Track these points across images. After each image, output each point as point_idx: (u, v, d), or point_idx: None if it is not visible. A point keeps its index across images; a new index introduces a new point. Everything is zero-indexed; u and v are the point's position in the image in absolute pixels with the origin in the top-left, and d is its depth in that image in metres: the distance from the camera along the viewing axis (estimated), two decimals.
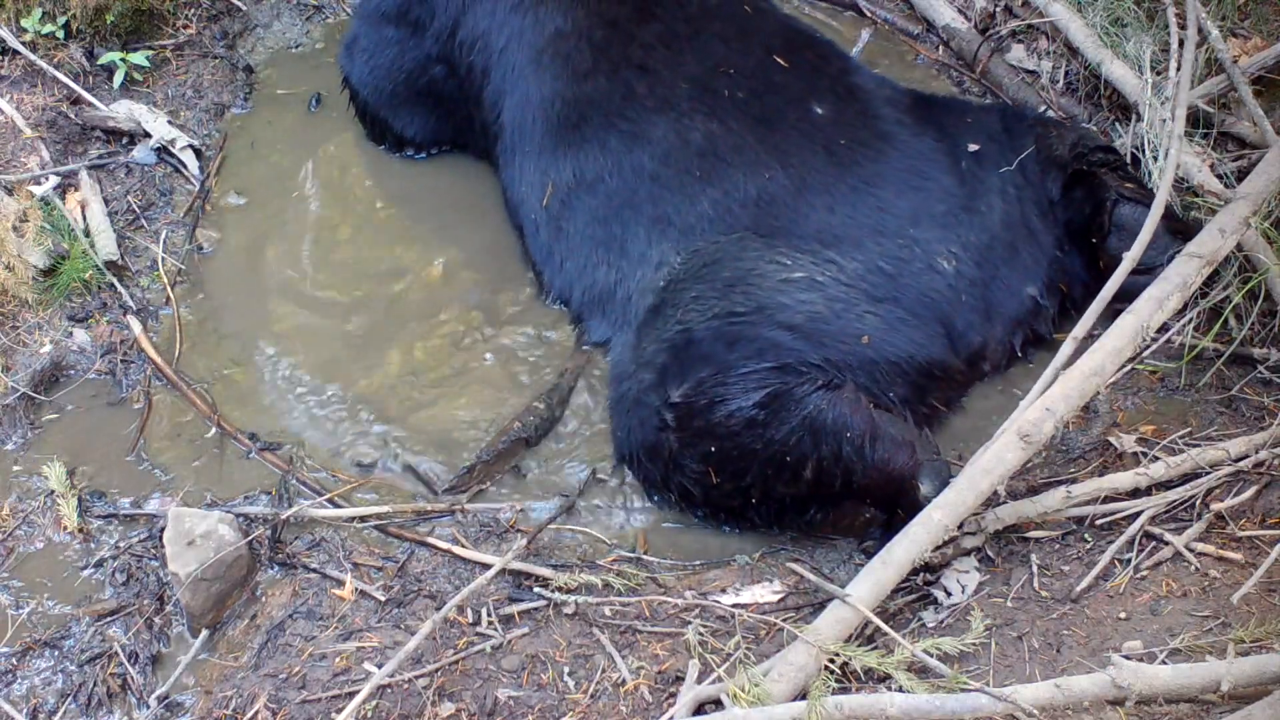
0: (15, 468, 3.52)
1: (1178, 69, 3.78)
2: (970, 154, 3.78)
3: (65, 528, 3.36)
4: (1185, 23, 3.82)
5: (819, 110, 3.80)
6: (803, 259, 3.47)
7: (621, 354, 3.59)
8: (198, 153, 4.33)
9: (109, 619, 3.19)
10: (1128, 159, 3.87)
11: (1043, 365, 3.28)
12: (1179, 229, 3.57)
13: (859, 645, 2.85)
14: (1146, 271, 3.44)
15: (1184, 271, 3.31)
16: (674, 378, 3.26)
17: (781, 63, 3.89)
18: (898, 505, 3.17)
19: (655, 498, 3.45)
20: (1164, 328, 3.40)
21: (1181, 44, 3.83)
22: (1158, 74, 3.94)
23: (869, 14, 4.76)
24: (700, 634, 2.96)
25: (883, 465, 3.11)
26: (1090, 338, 3.30)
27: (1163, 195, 3.40)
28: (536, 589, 3.13)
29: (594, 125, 3.80)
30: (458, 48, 4.09)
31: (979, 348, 3.59)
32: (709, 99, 3.77)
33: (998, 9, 4.54)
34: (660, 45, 3.86)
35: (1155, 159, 3.74)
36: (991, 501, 3.13)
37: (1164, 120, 3.73)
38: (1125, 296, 3.35)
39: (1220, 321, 3.44)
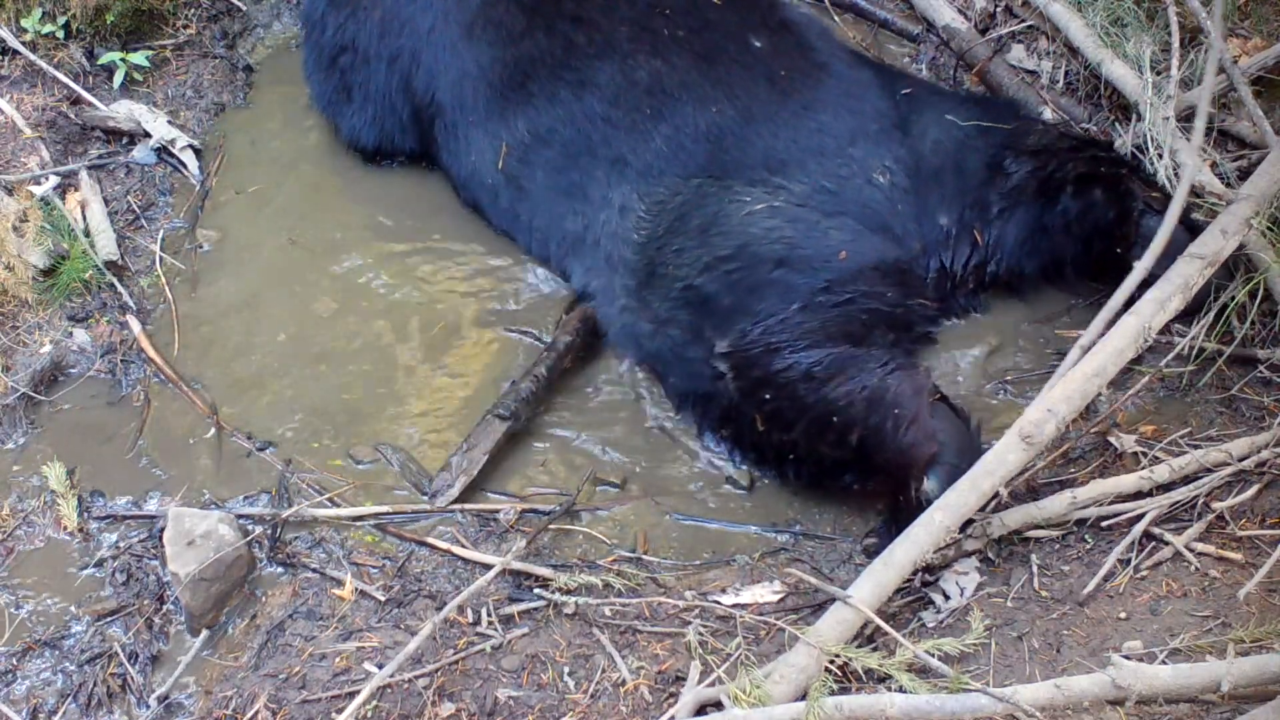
0: (15, 468, 3.52)
1: (1179, 68, 3.78)
2: (904, 94, 3.94)
3: (65, 527, 3.36)
4: (1198, 25, 3.81)
5: (757, 43, 3.90)
6: (756, 190, 3.62)
7: (618, 313, 3.67)
8: (198, 152, 4.33)
9: (109, 619, 3.19)
10: (1126, 158, 3.87)
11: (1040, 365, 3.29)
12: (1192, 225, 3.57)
13: (860, 646, 2.85)
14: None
15: (1185, 272, 3.31)
16: (714, 330, 3.42)
17: (714, 0, 3.98)
18: (899, 494, 3.19)
19: (707, 440, 3.56)
20: (1166, 329, 3.40)
21: (1182, 44, 3.84)
22: (1158, 73, 3.94)
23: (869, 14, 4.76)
24: (700, 634, 2.96)
25: (904, 450, 3.16)
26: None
27: (1178, 203, 3.37)
28: (536, 589, 3.13)
29: (540, 80, 3.88)
30: (376, 35, 4.12)
31: (919, 252, 3.72)
32: (649, 39, 3.86)
33: (998, 9, 4.53)
34: None
35: (1160, 156, 3.73)
36: (996, 504, 3.12)
37: (1165, 119, 3.73)
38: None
39: (1221, 321, 3.44)
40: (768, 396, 3.32)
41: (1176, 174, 3.65)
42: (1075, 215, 3.74)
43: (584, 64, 3.85)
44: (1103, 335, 3.24)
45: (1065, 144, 3.84)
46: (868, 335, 3.39)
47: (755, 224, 3.55)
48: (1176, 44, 3.81)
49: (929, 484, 3.13)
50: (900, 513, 3.17)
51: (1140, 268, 3.28)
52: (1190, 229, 3.52)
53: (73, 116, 4.30)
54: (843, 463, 3.30)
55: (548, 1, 3.95)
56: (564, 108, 3.84)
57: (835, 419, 3.22)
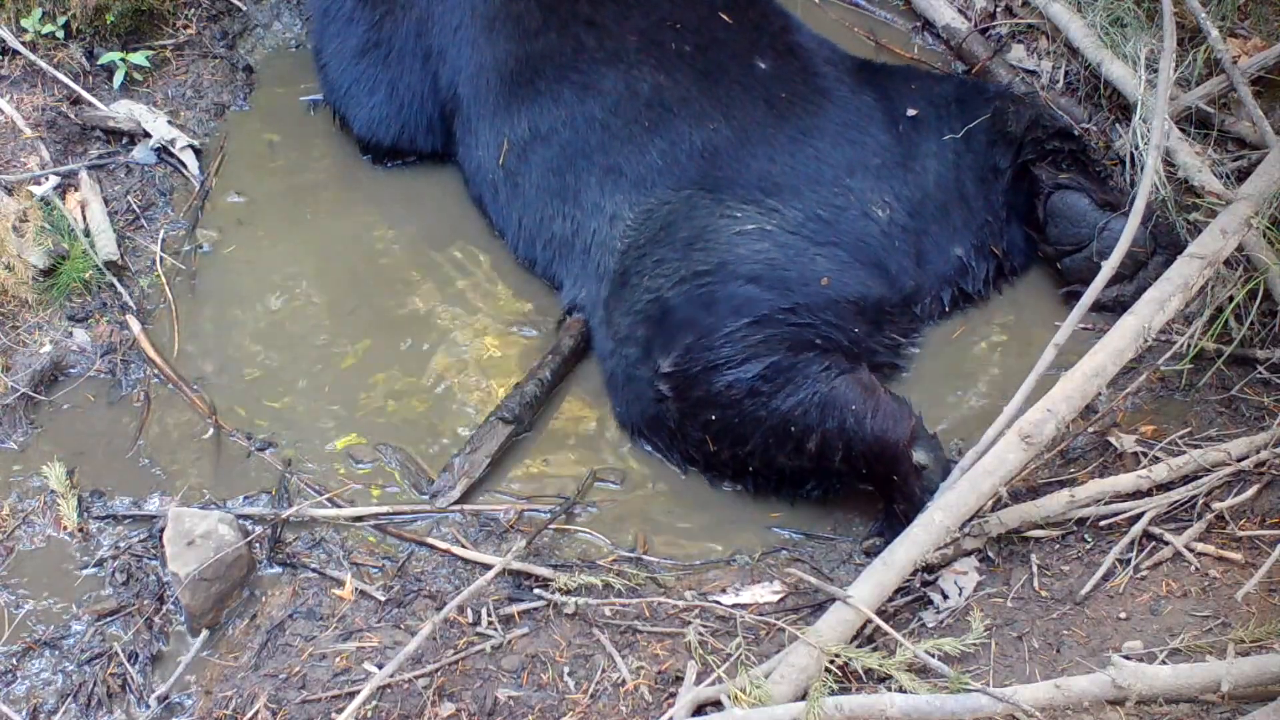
0: (15, 467, 3.52)
1: (1171, 67, 3.79)
2: (908, 118, 3.90)
3: (65, 527, 3.36)
4: (1196, 25, 3.83)
5: (761, 65, 3.90)
6: (749, 209, 3.60)
7: (595, 328, 3.67)
8: (198, 152, 4.33)
9: (109, 619, 3.19)
10: (1127, 159, 3.87)
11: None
12: (1108, 201, 3.73)
13: (860, 646, 2.85)
14: (1078, 249, 3.70)
15: (1185, 272, 3.31)
16: (660, 349, 3.37)
17: (725, 19, 3.99)
18: (894, 474, 3.20)
19: (674, 466, 3.53)
20: (1165, 329, 3.41)
21: (1181, 43, 3.83)
22: (1153, 71, 3.94)
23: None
24: (700, 634, 2.96)
25: (881, 434, 3.16)
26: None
27: (1142, 198, 3.41)
28: (536, 589, 3.13)
29: (547, 79, 3.89)
30: (413, 35, 4.14)
31: (912, 291, 3.73)
32: (656, 52, 3.87)
33: (998, 9, 4.54)
34: (608, 1, 3.96)
35: (1144, 150, 3.75)
36: (995, 503, 3.12)
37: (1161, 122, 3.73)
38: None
39: (1220, 322, 3.44)
40: (713, 416, 3.31)
41: (1171, 170, 3.68)
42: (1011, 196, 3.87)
43: (590, 68, 3.86)
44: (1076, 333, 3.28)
45: (1031, 135, 3.87)
46: (811, 352, 3.34)
47: (743, 244, 3.52)
48: (1173, 43, 3.81)
49: (919, 454, 3.16)
50: (899, 494, 3.20)
51: (1108, 266, 3.31)
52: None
53: (73, 116, 4.30)
54: (802, 471, 3.32)
55: (566, 2, 3.96)
56: (566, 109, 3.85)
57: (792, 428, 3.22)
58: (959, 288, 3.81)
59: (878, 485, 3.28)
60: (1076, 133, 4.02)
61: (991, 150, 3.86)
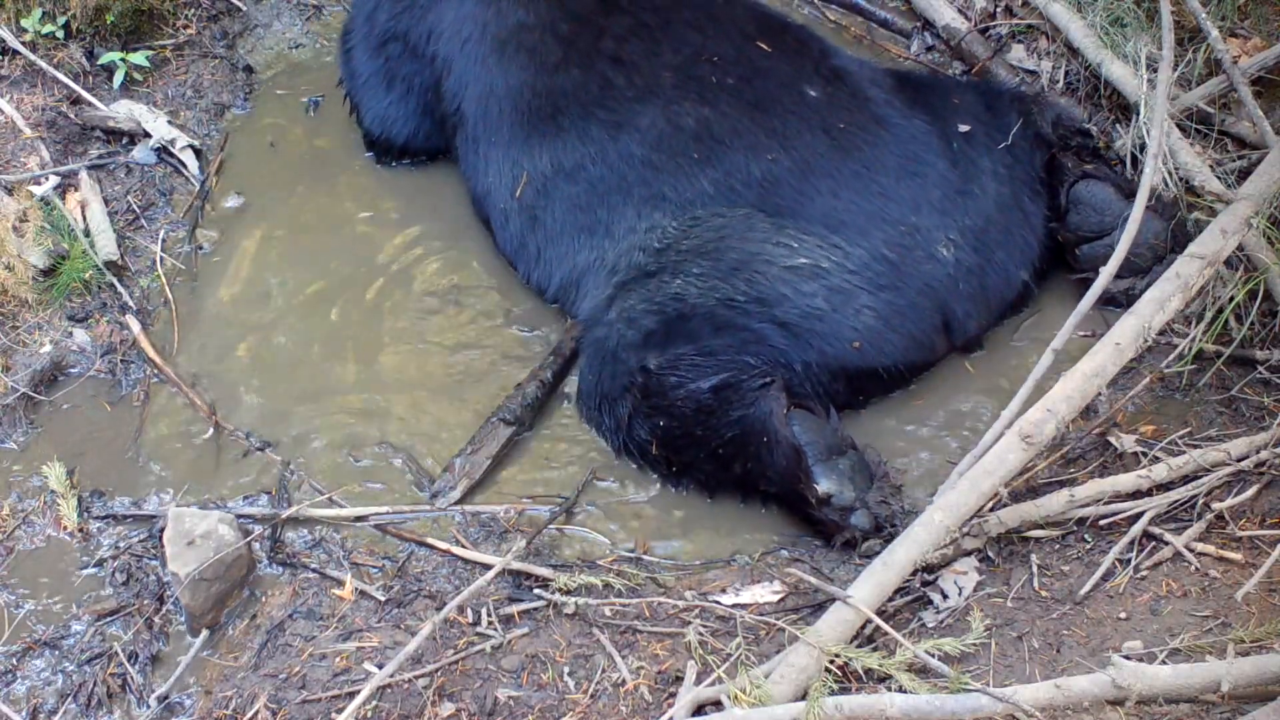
0: (15, 467, 3.52)
1: (1175, 66, 3.80)
2: (961, 135, 3.82)
3: (65, 527, 3.36)
4: (1196, 24, 3.83)
5: (812, 93, 3.79)
6: (809, 242, 3.49)
7: (597, 300, 3.61)
8: (198, 153, 4.33)
9: (109, 619, 3.19)
10: (1127, 159, 3.87)
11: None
12: (1133, 193, 3.65)
13: (860, 646, 2.85)
14: (1099, 237, 3.67)
15: (1185, 272, 3.31)
16: (656, 345, 3.35)
17: (764, 47, 3.89)
18: (804, 509, 3.25)
19: (605, 442, 3.54)
20: (1166, 329, 3.41)
21: (1181, 43, 3.84)
22: (1155, 73, 3.94)
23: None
24: (700, 634, 2.96)
25: (779, 469, 3.21)
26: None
27: (1143, 193, 3.41)
28: (536, 589, 3.13)
29: (571, 116, 3.80)
30: (425, 36, 4.11)
31: (975, 335, 3.68)
32: (697, 85, 3.76)
33: (998, 9, 4.53)
34: (632, 37, 3.87)
35: (1145, 151, 3.75)
36: (995, 503, 3.12)
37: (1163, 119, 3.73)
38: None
39: (1220, 322, 3.44)
40: (661, 423, 3.32)
41: (1175, 173, 3.68)
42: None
43: (622, 105, 3.75)
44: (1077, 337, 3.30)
45: (1058, 131, 3.88)
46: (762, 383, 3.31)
47: (791, 282, 3.41)
48: (1171, 41, 3.81)
49: (823, 485, 3.17)
50: (818, 526, 3.26)
51: (1105, 273, 3.31)
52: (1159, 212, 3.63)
53: (73, 116, 4.30)
54: (729, 483, 3.37)
55: (586, 37, 3.87)
56: (596, 146, 3.74)
57: (721, 451, 3.28)
58: (1017, 310, 3.76)
59: (799, 516, 3.32)
60: (1091, 130, 4.02)
61: (1033, 155, 3.81)
